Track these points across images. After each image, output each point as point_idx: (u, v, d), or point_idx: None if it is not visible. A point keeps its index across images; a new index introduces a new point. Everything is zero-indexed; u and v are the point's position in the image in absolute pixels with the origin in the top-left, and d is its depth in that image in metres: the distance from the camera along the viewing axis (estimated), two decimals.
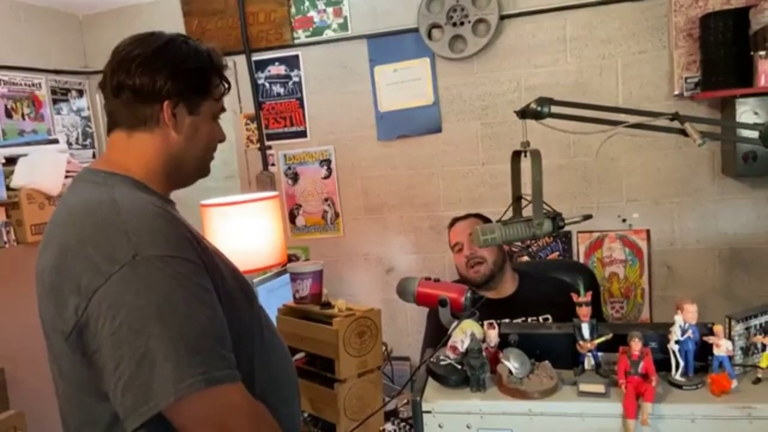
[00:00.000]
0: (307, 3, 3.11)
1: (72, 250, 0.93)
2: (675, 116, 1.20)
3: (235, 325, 0.99)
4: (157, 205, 1.00)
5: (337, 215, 3.24)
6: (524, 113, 1.33)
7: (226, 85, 1.16)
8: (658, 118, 1.24)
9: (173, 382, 0.86)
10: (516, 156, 1.38)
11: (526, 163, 1.34)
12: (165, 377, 0.86)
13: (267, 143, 3.28)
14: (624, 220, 2.82)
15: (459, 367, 1.26)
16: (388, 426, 1.80)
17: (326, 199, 3.24)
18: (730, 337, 1.20)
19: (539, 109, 1.31)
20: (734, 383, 1.15)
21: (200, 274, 0.95)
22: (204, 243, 1.04)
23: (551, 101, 1.31)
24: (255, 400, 0.96)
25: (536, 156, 1.28)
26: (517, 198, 1.39)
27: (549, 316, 2.10)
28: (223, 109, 1.17)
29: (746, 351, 1.23)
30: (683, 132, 1.21)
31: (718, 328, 1.19)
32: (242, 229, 2.10)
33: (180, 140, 1.08)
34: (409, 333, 3.16)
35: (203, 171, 1.17)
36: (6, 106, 2.99)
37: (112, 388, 0.89)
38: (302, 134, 3.23)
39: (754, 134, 2.35)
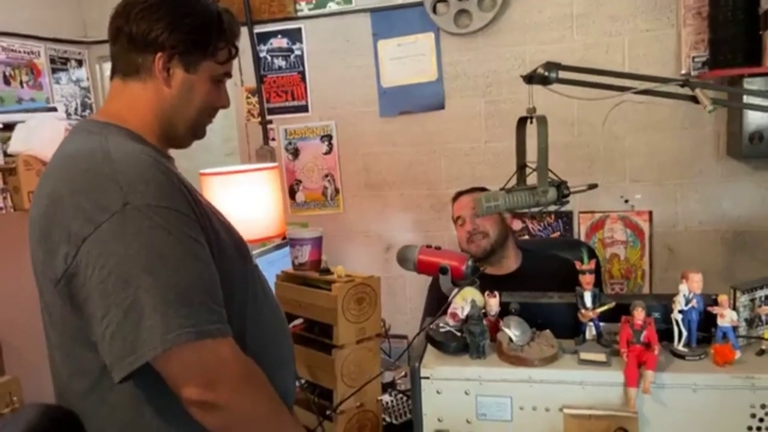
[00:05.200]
0: None
1: (63, 198, 0.92)
2: (686, 81, 1.18)
3: (228, 281, 0.98)
4: (150, 156, 0.98)
5: (337, 191, 3.21)
6: (531, 78, 1.30)
7: (233, 51, 1.11)
8: (668, 83, 1.21)
9: (161, 333, 0.84)
10: (521, 123, 1.35)
11: (530, 131, 1.32)
12: (152, 328, 0.84)
13: (268, 117, 3.24)
14: (626, 201, 2.80)
15: (459, 334, 1.25)
16: (386, 397, 1.79)
17: (327, 175, 3.21)
18: (734, 309, 1.19)
19: (547, 74, 1.28)
20: (738, 354, 1.13)
21: (192, 226, 0.93)
22: (198, 197, 1.02)
23: (559, 66, 1.28)
24: (246, 357, 0.94)
25: (543, 122, 1.26)
26: (521, 166, 1.37)
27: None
28: (227, 75, 1.13)
29: (750, 323, 1.21)
30: (693, 99, 1.18)
31: (723, 298, 1.18)
32: (242, 198, 2.08)
33: (172, 96, 1.05)
34: (408, 311, 3.14)
35: (197, 133, 1.14)
36: (4, 73, 2.95)
37: (100, 337, 0.87)
38: (304, 109, 3.19)
39: (760, 117, 2.33)
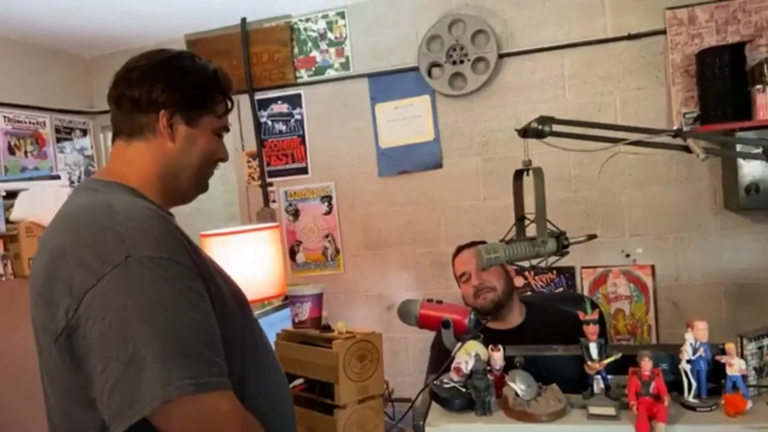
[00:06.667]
0: (309, 44, 3.18)
1: (65, 252, 0.92)
2: (677, 132, 1.20)
3: (228, 333, 0.97)
4: (151, 209, 0.99)
5: (337, 251, 3.21)
6: (525, 132, 1.33)
7: (230, 104, 1.16)
8: (660, 134, 1.23)
9: (160, 385, 0.83)
10: (518, 175, 1.37)
11: (528, 187, 1.33)
12: (152, 380, 0.83)
13: (268, 180, 3.29)
14: (627, 255, 2.79)
15: (463, 390, 1.23)
16: None
17: (327, 236, 3.22)
18: (742, 357, 1.17)
19: (540, 127, 1.31)
20: (749, 403, 1.11)
21: (193, 278, 0.93)
22: (199, 250, 1.02)
23: (552, 120, 1.31)
24: (245, 411, 0.92)
25: (539, 174, 1.28)
26: (520, 218, 1.37)
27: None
28: (226, 128, 1.17)
29: (760, 371, 1.19)
30: (686, 149, 1.20)
31: (731, 347, 1.17)
32: (242, 258, 2.07)
33: (175, 150, 1.08)
34: (411, 373, 3.08)
35: (200, 185, 1.16)
36: (9, 142, 3.01)
37: (99, 391, 0.85)
38: (303, 171, 3.24)
39: (755, 169, 2.36)
